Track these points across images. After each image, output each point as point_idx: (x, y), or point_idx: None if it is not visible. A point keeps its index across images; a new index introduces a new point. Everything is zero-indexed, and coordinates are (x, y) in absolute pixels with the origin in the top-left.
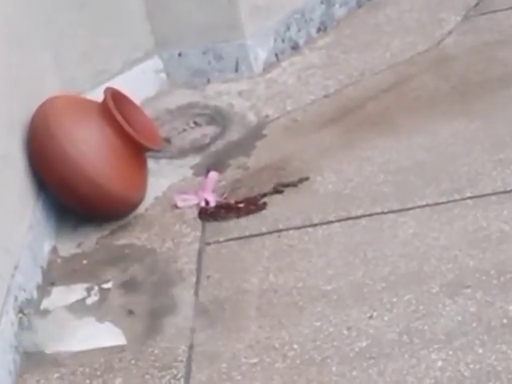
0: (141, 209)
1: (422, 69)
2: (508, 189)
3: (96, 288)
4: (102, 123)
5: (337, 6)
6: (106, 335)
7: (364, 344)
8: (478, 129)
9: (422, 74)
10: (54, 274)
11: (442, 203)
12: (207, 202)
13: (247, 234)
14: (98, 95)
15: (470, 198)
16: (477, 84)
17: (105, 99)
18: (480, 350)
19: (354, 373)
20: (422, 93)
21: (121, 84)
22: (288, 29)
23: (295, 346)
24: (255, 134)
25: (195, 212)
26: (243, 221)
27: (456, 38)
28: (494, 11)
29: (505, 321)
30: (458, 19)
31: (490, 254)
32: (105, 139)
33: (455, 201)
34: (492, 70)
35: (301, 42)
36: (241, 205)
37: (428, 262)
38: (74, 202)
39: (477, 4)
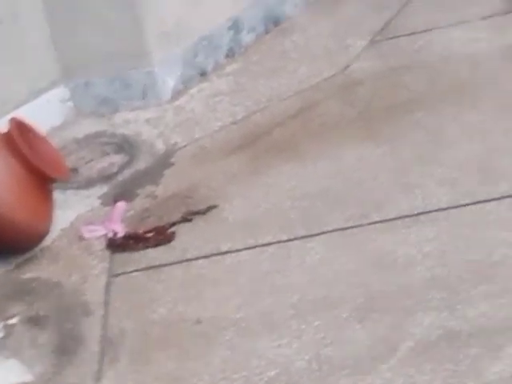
0: (47, 241)
1: (329, 95)
2: (414, 212)
3: (1, 324)
4: (7, 154)
5: (244, 32)
6: (11, 372)
7: (273, 373)
8: (383, 153)
9: (329, 100)
10: None
11: (349, 228)
12: (115, 233)
13: (156, 264)
14: (2, 126)
15: (376, 222)
16: (382, 109)
17: (9, 129)
18: (388, 375)
19: None
20: (328, 118)
21: (26, 114)
22: (196, 55)
23: (205, 377)
24: (163, 162)
25: (103, 243)
26: (152, 251)
27: (362, 64)
28: (398, 36)
29: (412, 344)
30: (364, 44)
31: (396, 278)
32: (9, 170)
33: (362, 225)
34: (397, 96)
35: (209, 68)
36: (149, 234)
37: (336, 287)
38: None
39: (382, 29)
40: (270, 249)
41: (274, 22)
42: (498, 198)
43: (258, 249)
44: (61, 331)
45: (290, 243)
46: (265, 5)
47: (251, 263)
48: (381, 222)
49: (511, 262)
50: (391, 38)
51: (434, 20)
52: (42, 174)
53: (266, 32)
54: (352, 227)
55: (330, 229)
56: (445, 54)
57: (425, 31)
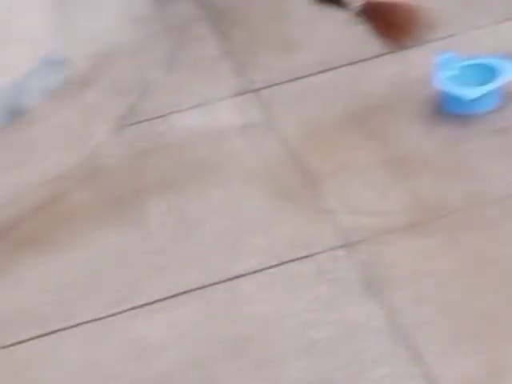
0: None
1: (76, 183)
2: (168, 295)
3: None
4: None
5: None
6: None
7: None
8: (134, 237)
9: (76, 189)
10: None
11: (105, 317)
12: None
13: None
14: None
15: (131, 308)
16: (131, 193)
17: None
18: None
19: None
20: (77, 207)
21: None
22: None
23: None
24: None
25: None
26: None
27: (108, 150)
28: (142, 121)
29: None
30: (109, 131)
31: (153, 364)
32: None
33: (117, 313)
34: (145, 178)
35: None
36: None
37: (89, 381)
38: None
39: (125, 114)
40: (18, 349)
41: (14, 114)
42: (250, 273)
43: (4, 349)
44: None
45: (43, 339)
46: (3, 97)
47: None
48: (135, 307)
49: (264, 336)
50: (135, 123)
51: (175, 103)
52: None
53: (6, 125)
54: (107, 316)
55: (85, 320)
56: (187, 135)
57: (167, 114)
